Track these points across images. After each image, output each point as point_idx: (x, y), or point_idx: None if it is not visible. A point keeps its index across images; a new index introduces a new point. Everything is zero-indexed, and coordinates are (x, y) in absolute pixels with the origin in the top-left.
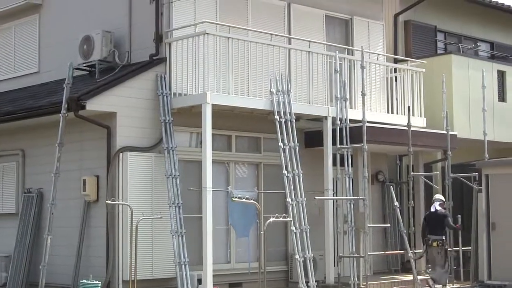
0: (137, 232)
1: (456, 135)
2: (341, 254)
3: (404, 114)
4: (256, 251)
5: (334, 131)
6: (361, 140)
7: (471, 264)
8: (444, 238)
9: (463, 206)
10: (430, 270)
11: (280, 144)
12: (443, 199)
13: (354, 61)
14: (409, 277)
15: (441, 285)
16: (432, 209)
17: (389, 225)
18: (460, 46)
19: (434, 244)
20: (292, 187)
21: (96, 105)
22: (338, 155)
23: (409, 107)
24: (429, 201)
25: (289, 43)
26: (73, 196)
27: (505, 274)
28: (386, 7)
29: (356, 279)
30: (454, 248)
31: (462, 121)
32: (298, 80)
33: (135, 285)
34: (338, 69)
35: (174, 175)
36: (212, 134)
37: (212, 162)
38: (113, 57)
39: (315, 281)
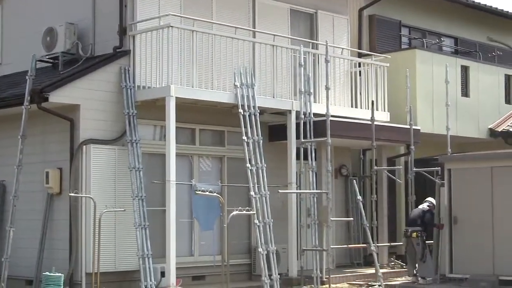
0: (100, 225)
1: (419, 129)
2: (304, 248)
3: (368, 109)
4: (220, 244)
5: (298, 125)
6: (324, 134)
7: (433, 258)
8: (422, 229)
9: None
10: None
11: (244, 137)
12: (434, 202)
13: (318, 55)
14: (372, 270)
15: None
16: (420, 207)
17: (352, 218)
18: (424, 41)
19: (414, 234)
20: (255, 180)
21: (59, 97)
22: (302, 149)
23: (372, 101)
24: (392, 195)
25: (254, 36)
26: (36, 189)
27: (467, 268)
28: (350, 1)
29: (319, 272)
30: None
31: (425, 115)
32: (263, 74)
33: (98, 277)
34: (303, 63)
35: (138, 168)
36: (176, 127)
37: (176, 155)
38: (76, 49)
39: (278, 274)
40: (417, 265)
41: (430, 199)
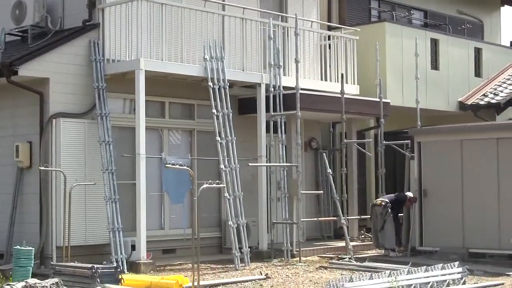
0: (71, 199)
1: (389, 102)
2: (274, 221)
3: (338, 82)
4: (190, 217)
5: (267, 98)
6: (294, 107)
7: (403, 231)
8: (389, 202)
9: (395, 173)
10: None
11: (214, 111)
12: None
13: (288, 28)
14: (342, 243)
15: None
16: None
17: (322, 192)
18: (394, 14)
19: (378, 202)
20: (225, 153)
21: (28, 70)
22: (272, 122)
23: (342, 74)
24: (362, 168)
25: (223, 9)
26: (6, 163)
27: (436, 240)
28: None
29: (289, 245)
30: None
31: (395, 89)
32: (232, 47)
33: (68, 251)
34: (272, 36)
35: (108, 142)
36: (146, 100)
37: (146, 128)
38: (45, 23)
39: (249, 247)
40: (379, 235)
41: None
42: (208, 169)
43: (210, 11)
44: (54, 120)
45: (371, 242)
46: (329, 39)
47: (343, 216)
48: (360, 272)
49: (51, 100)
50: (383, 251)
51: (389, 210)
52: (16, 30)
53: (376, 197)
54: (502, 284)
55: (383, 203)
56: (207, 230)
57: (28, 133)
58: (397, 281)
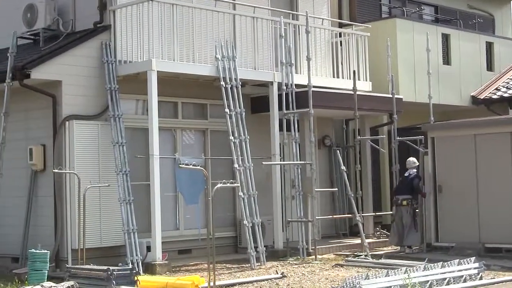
0: (85, 201)
1: (401, 98)
2: (289, 219)
3: (350, 79)
4: (205, 217)
5: (280, 96)
6: (307, 105)
7: (418, 226)
8: (411, 197)
9: None
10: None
11: (226, 110)
12: (417, 162)
13: (299, 26)
14: (357, 241)
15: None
16: (406, 174)
17: (336, 189)
18: (405, 10)
19: (404, 202)
20: (239, 152)
21: (41, 73)
22: (285, 120)
23: (354, 71)
24: (376, 164)
25: (234, 9)
26: (20, 166)
27: (452, 236)
28: None
29: (305, 244)
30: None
31: (407, 84)
32: (244, 46)
33: (84, 253)
34: (283, 35)
35: (121, 143)
36: (158, 101)
37: (159, 129)
38: (57, 25)
39: (264, 246)
40: (405, 234)
41: (411, 159)
42: (222, 169)
43: (221, 11)
44: (67, 122)
45: (387, 239)
46: (340, 36)
47: (358, 213)
48: (376, 269)
49: (63, 103)
50: (398, 247)
51: (415, 206)
52: (28, 33)
53: (392, 194)
54: None
55: (408, 201)
56: (222, 229)
57: (42, 136)
58: (410, 278)
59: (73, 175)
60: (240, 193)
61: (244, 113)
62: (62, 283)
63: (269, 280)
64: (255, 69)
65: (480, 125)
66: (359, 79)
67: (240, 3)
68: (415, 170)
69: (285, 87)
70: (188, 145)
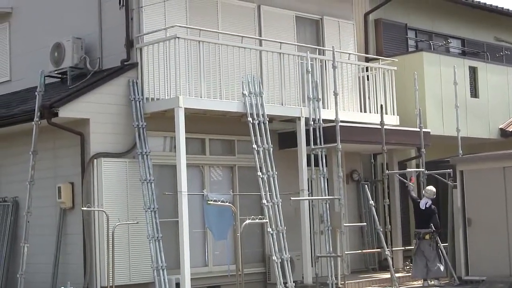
0: (114, 238)
1: (429, 132)
2: (318, 254)
3: (377, 113)
4: (233, 253)
5: (307, 131)
6: (335, 140)
7: (443, 258)
8: (433, 230)
9: (438, 203)
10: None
11: (254, 146)
12: (434, 190)
13: (325, 61)
14: (387, 275)
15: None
16: (422, 206)
17: (365, 223)
18: (431, 43)
19: (427, 236)
20: (267, 188)
21: (68, 112)
22: (313, 155)
23: (382, 105)
24: (404, 199)
25: (260, 44)
26: (49, 204)
27: (482, 269)
28: (356, 6)
29: (334, 279)
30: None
31: (435, 118)
32: (270, 82)
33: None
34: (310, 70)
35: (149, 180)
36: (186, 138)
37: (187, 166)
38: (84, 64)
39: (293, 282)
40: (429, 266)
41: (431, 189)
42: (250, 205)
43: (247, 47)
44: (95, 160)
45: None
46: (367, 70)
47: (387, 248)
48: None
49: (91, 141)
50: (421, 281)
51: (437, 237)
52: (56, 72)
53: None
54: None
55: (431, 235)
56: (251, 265)
57: (70, 174)
58: None
59: (101, 213)
60: (269, 229)
61: (271, 149)
62: None
63: None
64: (282, 104)
65: (509, 158)
66: (386, 113)
67: (266, 39)
68: (431, 200)
69: (312, 122)
70: (216, 182)
